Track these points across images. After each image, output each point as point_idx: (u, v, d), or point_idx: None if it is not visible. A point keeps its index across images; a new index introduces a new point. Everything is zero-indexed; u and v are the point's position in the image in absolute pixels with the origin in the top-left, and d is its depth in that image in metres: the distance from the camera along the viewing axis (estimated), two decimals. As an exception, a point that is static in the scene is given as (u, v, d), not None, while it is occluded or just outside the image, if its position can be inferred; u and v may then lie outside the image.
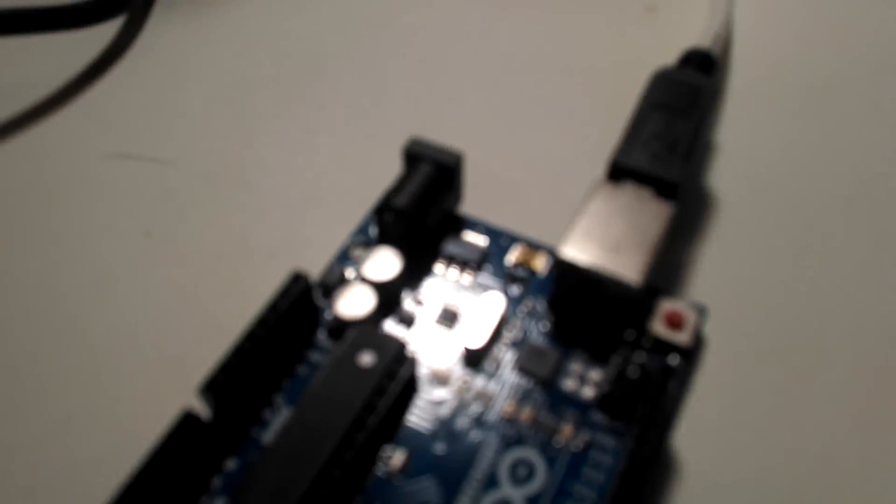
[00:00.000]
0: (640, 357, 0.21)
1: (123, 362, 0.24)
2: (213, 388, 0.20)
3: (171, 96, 0.32)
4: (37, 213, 0.28)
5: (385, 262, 0.24)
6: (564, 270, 0.23)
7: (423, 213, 0.24)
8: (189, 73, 0.33)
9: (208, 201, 0.28)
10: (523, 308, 0.24)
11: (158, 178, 0.29)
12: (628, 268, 0.22)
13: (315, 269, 0.25)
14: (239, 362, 0.21)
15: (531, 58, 0.33)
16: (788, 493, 0.21)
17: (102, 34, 0.34)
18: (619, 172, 0.25)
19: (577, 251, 0.22)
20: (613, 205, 0.23)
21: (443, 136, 0.30)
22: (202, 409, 0.21)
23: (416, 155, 0.25)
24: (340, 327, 0.23)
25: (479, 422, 0.22)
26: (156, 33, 0.35)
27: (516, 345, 0.23)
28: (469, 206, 0.27)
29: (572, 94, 0.32)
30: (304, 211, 0.28)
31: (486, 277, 0.25)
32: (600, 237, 0.23)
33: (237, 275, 0.26)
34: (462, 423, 0.22)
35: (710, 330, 0.24)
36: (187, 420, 0.20)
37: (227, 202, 0.28)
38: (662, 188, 0.24)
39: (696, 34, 0.31)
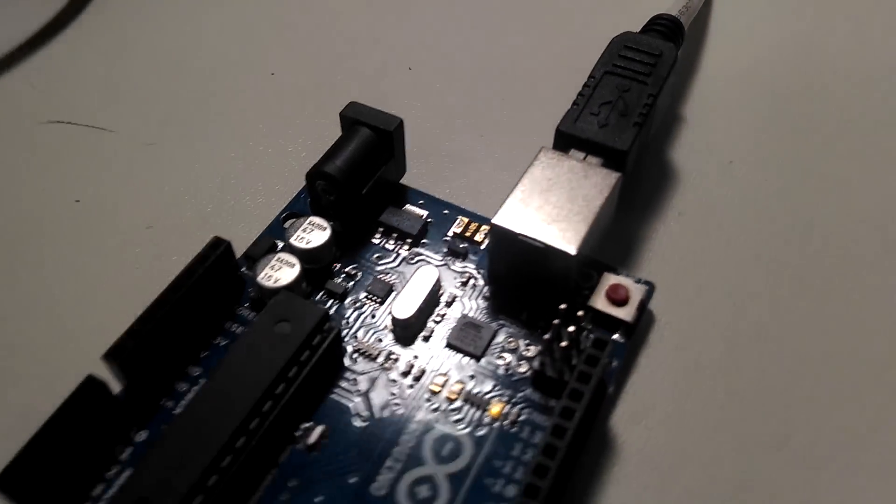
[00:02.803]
0: (574, 332, 0.21)
1: (41, 331, 0.24)
2: (118, 354, 0.20)
3: (117, 64, 0.32)
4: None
5: (314, 231, 0.23)
6: (498, 239, 0.22)
7: (358, 180, 0.24)
8: (138, 39, 0.33)
9: (144, 170, 0.28)
10: (461, 282, 0.24)
11: (94, 145, 0.29)
12: (565, 237, 0.21)
13: (249, 242, 0.25)
14: (148, 328, 0.20)
15: (487, 21, 0.33)
16: (732, 478, 0.21)
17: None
18: (564, 140, 0.24)
19: (512, 219, 0.22)
20: (555, 173, 0.23)
21: (392, 106, 0.30)
22: (114, 378, 0.20)
23: (353, 119, 0.25)
24: (263, 299, 0.22)
25: (404, 397, 0.21)
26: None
27: (450, 319, 0.23)
28: (414, 179, 0.27)
29: (531, 62, 0.31)
30: (245, 182, 0.28)
31: (425, 250, 0.24)
32: (538, 206, 0.22)
33: (165, 245, 0.26)
34: (386, 398, 0.21)
35: (659, 308, 0.24)
36: (89, 386, 0.19)
37: (163, 172, 0.28)
38: (610, 157, 0.24)
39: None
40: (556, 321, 0.20)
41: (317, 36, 0.33)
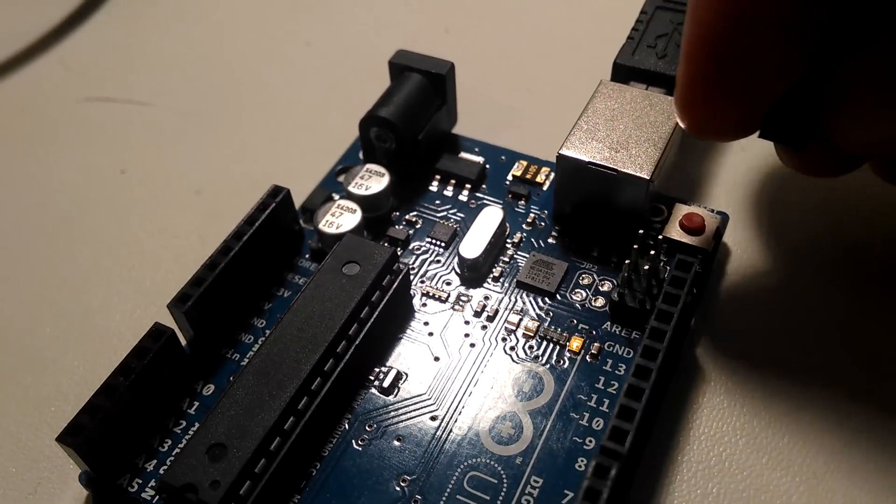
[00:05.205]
0: (653, 260, 0.20)
1: (99, 296, 0.23)
2: (184, 301, 0.19)
3: (149, 41, 0.31)
4: (15, 155, 0.27)
5: (372, 178, 0.23)
6: (565, 171, 0.22)
7: (413, 125, 0.23)
8: (168, 15, 0.33)
9: (187, 139, 0.27)
10: (526, 223, 0.23)
11: (135, 118, 0.28)
12: (637, 163, 0.21)
13: (303, 199, 0.24)
14: (212, 276, 0.20)
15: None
16: (816, 402, 0.20)
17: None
18: (623, 73, 0.24)
19: (580, 149, 0.21)
20: (618, 103, 0.22)
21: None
22: (179, 330, 0.20)
23: (402, 66, 0.24)
24: (324, 248, 0.22)
25: (479, 337, 0.20)
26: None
27: (519, 259, 0.22)
28: (463, 131, 0.26)
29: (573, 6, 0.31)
30: (290, 144, 0.27)
31: (485, 194, 0.24)
32: (605, 135, 0.22)
33: (217, 209, 0.25)
34: (461, 339, 0.20)
35: (732, 240, 0.23)
36: (156, 335, 0.19)
37: (206, 140, 0.27)
38: (673, 86, 0.23)
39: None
40: (635, 247, 0.20)
41: (348, 5, 0.33)
